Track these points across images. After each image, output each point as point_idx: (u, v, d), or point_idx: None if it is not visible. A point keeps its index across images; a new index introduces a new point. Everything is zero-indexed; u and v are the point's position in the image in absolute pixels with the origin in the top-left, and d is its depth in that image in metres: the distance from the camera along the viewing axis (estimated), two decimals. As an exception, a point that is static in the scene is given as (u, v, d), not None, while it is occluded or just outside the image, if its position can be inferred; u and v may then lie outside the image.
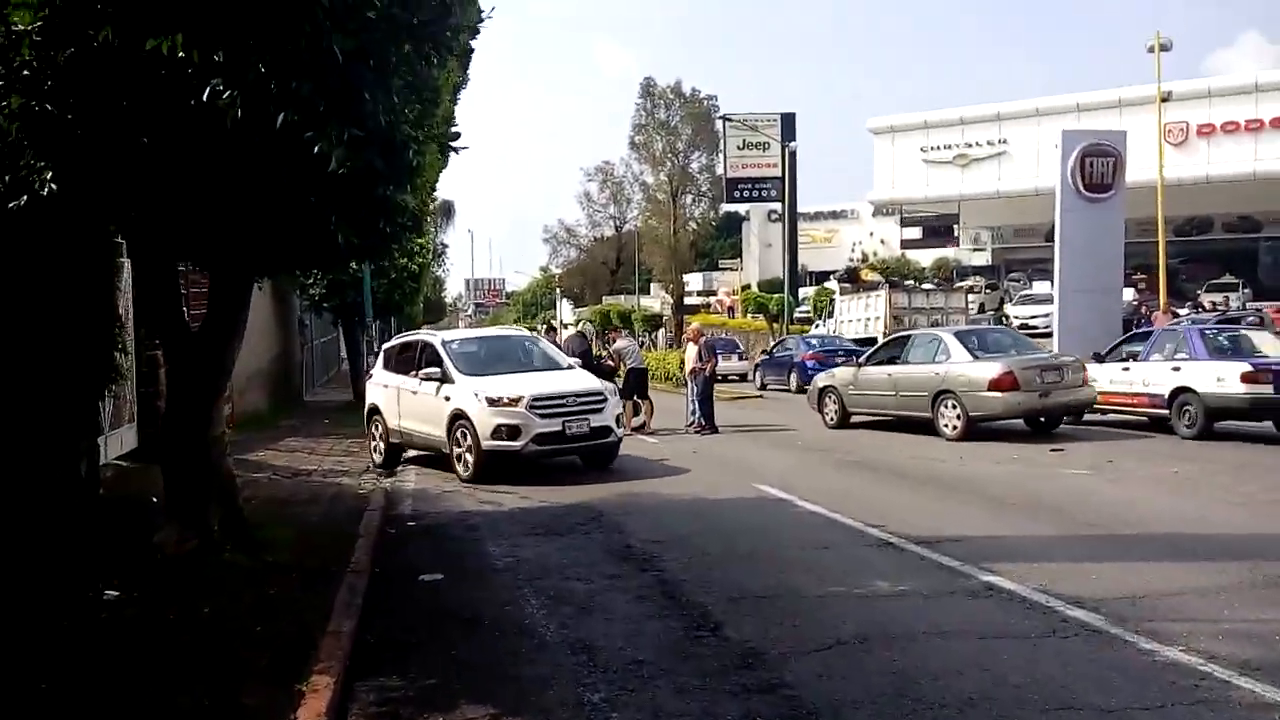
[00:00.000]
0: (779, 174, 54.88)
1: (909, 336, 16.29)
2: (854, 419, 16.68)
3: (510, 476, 11.89)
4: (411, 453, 14.37)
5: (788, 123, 55.45)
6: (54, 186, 5.50)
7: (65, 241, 6.85)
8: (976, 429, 14.13)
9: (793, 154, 54.05)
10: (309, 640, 5.40)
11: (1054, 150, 45.91)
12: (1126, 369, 14.71)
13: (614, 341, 20.61)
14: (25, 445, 6.88)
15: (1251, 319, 26.68)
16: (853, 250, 64.39)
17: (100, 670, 4.96)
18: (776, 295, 51.73)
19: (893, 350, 16.22)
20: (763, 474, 12.09)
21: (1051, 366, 14.48)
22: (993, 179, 48.44)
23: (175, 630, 5.57)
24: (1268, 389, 12.74)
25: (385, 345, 16.43)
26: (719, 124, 58.39)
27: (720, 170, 60.41)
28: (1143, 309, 32.81)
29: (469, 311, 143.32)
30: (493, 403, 11.77)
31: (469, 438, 11.90)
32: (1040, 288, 44.25)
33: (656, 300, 77.72)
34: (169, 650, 5.25)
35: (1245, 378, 12.84)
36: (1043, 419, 14.73)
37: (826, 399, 17.11)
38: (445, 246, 23.68)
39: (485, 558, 8.08)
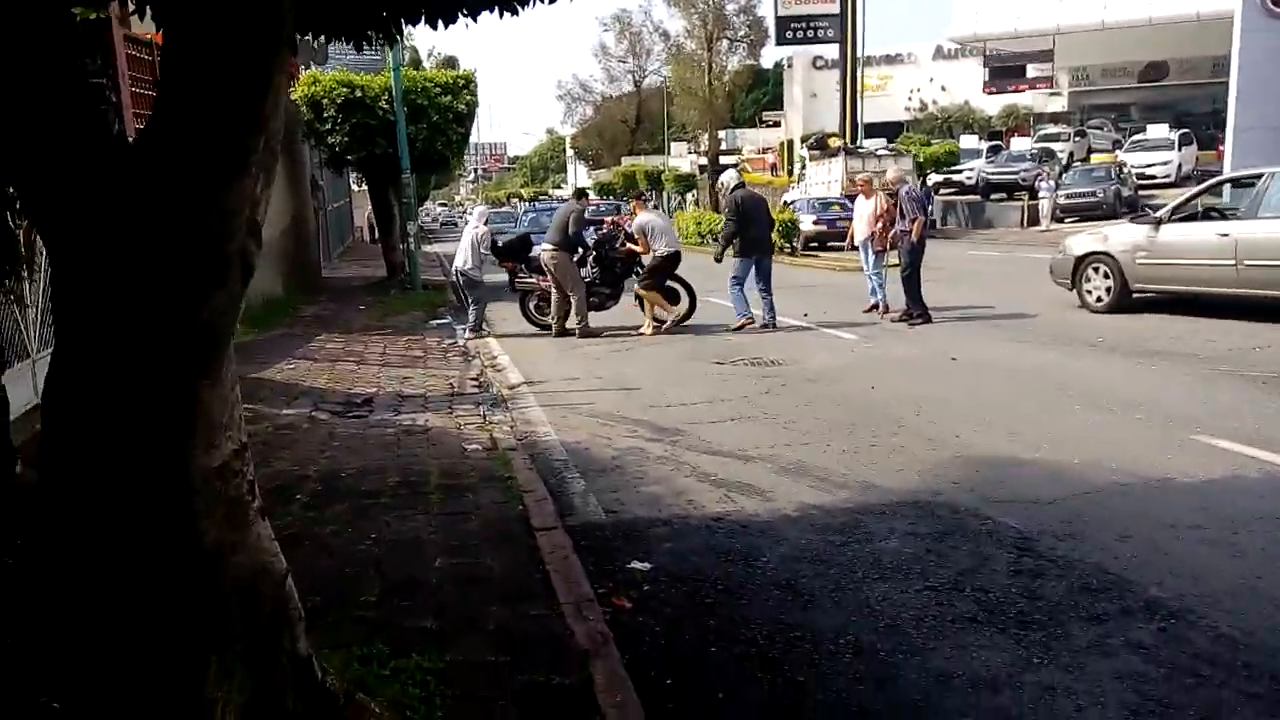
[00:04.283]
0: (836, 10, 48.04)
1: (1258, 176, 10.72)
2: (1137, 297, 11.55)
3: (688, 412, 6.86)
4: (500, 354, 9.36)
5: (847, -51, 48.19)
6: None
7: None
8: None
9: (854, -16, 47.12)
10: None
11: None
12: None
13: (635, 213, 13.05)
14: None
15: None
16: (909, 98, 57.64)
17: None
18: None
19: (1222, 199, 10.82)
20: (1148, 406, 7.10)
21: None
22: (1097, 7, 41.69)
23: None
24: None
25: None
26: (761, -44, 51.32)
27: (760, 13, 53.67)
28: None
29: (470, 177, 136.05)
30: None
31: None
32: (1155, 131, 38.40)
33: (684, 160, 71.57)
34: None
35: None
36: None
37: (1089, 271, 11.88)
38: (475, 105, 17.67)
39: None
